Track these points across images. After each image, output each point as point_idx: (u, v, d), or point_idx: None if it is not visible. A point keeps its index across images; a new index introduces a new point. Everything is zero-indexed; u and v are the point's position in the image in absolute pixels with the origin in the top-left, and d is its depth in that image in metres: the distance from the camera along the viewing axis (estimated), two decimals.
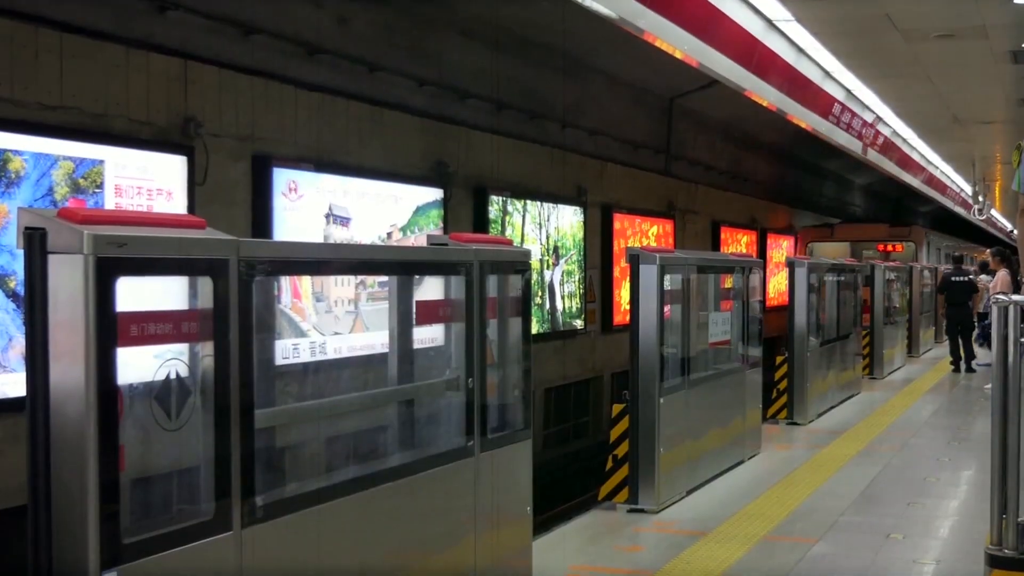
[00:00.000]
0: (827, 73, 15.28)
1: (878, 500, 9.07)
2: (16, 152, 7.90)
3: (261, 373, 4.43)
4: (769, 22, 12.34)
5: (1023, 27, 12.30)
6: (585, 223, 16.51)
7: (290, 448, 5.24)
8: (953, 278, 19.51)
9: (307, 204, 10.91)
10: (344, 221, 11.50)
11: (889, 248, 27.26)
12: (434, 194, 12.85)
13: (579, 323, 16.39)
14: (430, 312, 6.10)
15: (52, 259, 3.62)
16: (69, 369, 3.60)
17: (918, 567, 7.20)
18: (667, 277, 8.65)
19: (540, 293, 15.25)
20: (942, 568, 7.18)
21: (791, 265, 13.40)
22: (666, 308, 8.74)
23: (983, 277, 21.49)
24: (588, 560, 7.24)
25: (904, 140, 22.49)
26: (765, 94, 13.67)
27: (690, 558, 7.23)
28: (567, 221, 16.08)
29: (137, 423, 3.99)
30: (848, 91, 16.67)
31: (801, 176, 28.44)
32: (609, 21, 9.60)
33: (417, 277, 6.07)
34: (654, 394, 8.40)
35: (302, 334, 10.33)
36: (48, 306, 3.62)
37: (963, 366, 18.98)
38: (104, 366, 3.62)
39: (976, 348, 19.40)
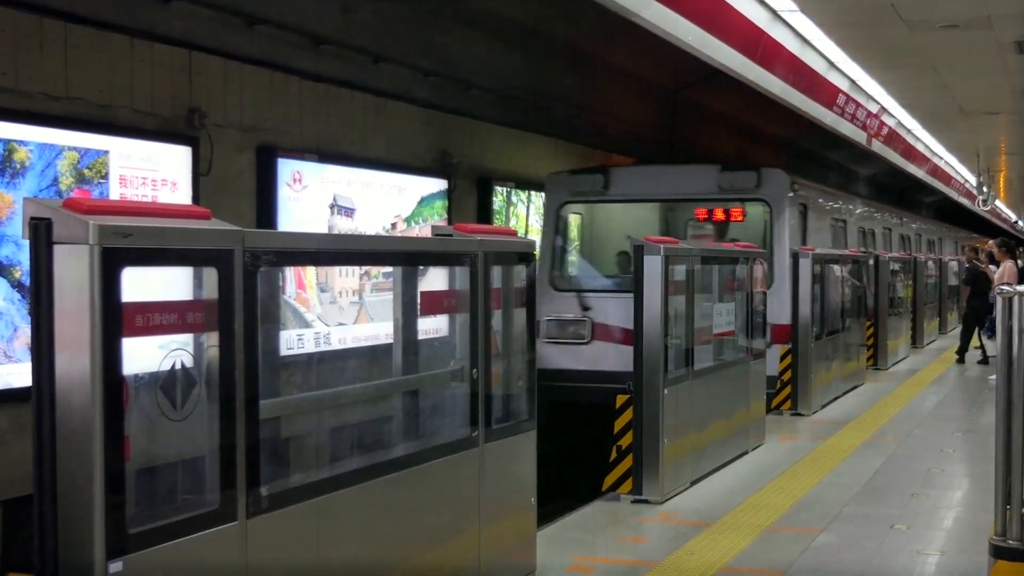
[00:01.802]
0: (832, 64, 15.25)
1: (882, 491, 9.07)
2: (21, 142, 7.90)
3: (266, 363, 4.43)
4: (774, 13, 12.32)
5: None
6: None
7: (295, 438, 5.25)
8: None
9: (311, 195, 10.92)
10: (348, 212, 11.51)
11: (719, 216, 14.81)
12: (438, 185, 12.86)
13: None
14: (434, 303, 6.10)
15: (57, 249, 3.62)
16: (75, 359, 3.60)
17: (922, 558, 7.20)
18: (671, 268, 8.66)
19: None
20: (946, 559, 7.18)
21: (794, 256, 13.39)
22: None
23: (990, 268, 21.47)
24: (592, 551, 7.25)
25: (908, 131, 22.44)
26: (770, 85, 13.65)
27: (694, 549, 7.23)
28: None
29: (142, 413, 3.99)
30: (853, 82, 16.64)
31: (806, 167, 28.42)
32: (614, 11, 9.58)
33: (421, 268, 6.07)
34: (658, 385, 8.41)
35: (307, 325, 10.34)
36: (54, 296, 3.62)
37: (987, 356, 18.71)
38: (109, 356, 3.62)
39: (985, 341, 19.34)
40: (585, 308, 13.36)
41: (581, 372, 12.67)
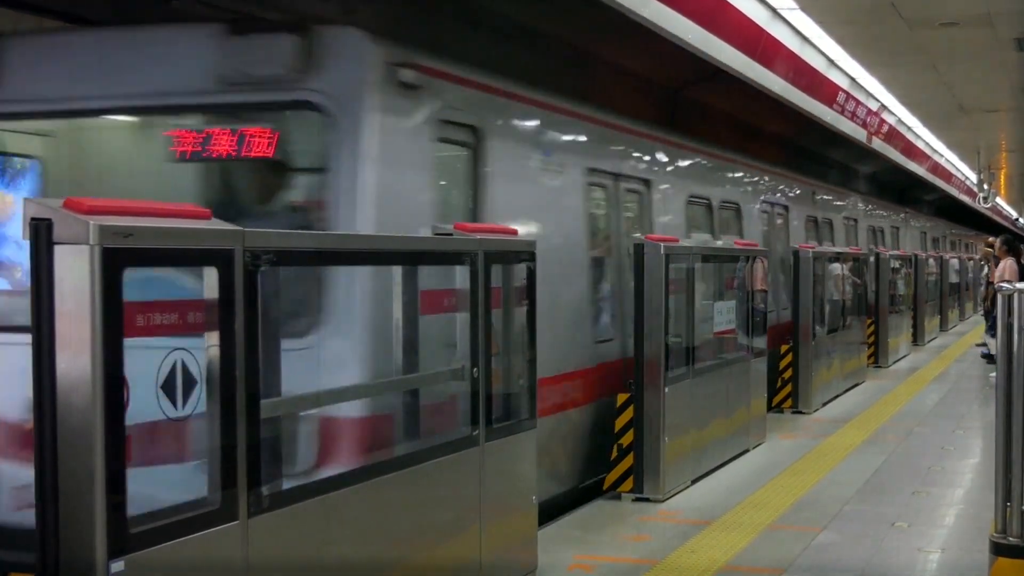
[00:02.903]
0: (831, 61, 15.25)
1: (883, 489, 9.08)
2: None
3: (266, 363, 4.43)
4: (774, 11, 12.32)
5: None
6: None
7: (295, 437, 5.25)
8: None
9: None
10: None
11: (220, 147, 6.26)
12: None
13: None
14: (435, 301, 6.10)
15: (58, 249, 3.62)
16: (75, 359, 3.60)
17: (923, 555, 7.20)
18: (672, 266, 8.66)
19: None
20: (947, 556, 7.18)
21: (795, 255, 13.40)
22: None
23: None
24: (593, 549, 7.25)
25: (909, 128, 22.45)
26: (770, 83, 13.65)
27: (695, 547, 7.24)
28: None
29: (143, 413, 4.00)
30: (853, 79, 16.64)
31: (806, 165, 28.41)
32: (615, 10, 9.59)
33: (422, 267, 6.07)
34: (659, 383, 8.41)
35: None
36: (54, 296, 3.63)
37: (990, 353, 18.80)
38: (110, 356, 3.62)
39: (987, 339, 19.35)
40: None
41: None
